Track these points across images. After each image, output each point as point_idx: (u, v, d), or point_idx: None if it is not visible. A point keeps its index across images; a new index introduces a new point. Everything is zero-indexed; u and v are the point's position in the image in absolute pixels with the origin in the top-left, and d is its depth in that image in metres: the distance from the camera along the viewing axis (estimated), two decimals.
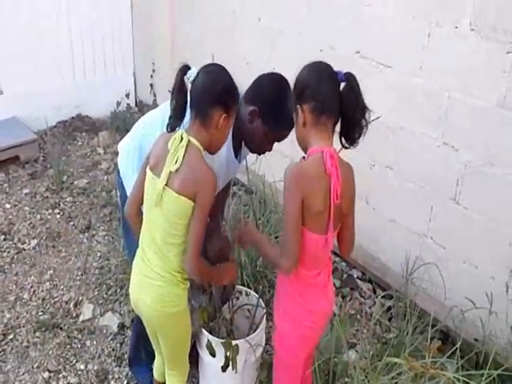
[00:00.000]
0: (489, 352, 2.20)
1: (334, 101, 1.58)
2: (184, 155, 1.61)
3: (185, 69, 1.66)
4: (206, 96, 1.63)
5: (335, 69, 1.62)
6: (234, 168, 2.08)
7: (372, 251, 2.97)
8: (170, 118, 1.70)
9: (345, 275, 2.96)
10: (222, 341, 1.93)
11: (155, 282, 1.72)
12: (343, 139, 1.64)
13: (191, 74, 1.65)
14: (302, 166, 1.60)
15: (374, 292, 2.85)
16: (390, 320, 2.64)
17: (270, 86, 1.86)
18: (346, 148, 1.64)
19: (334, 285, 2.86)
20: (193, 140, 1.64)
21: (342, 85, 1.59)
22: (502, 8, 2.16)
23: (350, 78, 1.58)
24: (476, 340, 2.33)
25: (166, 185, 1.62)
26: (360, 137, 1.61)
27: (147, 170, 1.71)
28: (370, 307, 2.70)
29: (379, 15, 2.64)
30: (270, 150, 1.97)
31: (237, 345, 1.92)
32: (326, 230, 1.61)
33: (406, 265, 2.68)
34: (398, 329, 2.33)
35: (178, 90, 1.67)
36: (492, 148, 2.31)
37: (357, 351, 2.39)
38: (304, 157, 1.64)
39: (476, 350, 2.22)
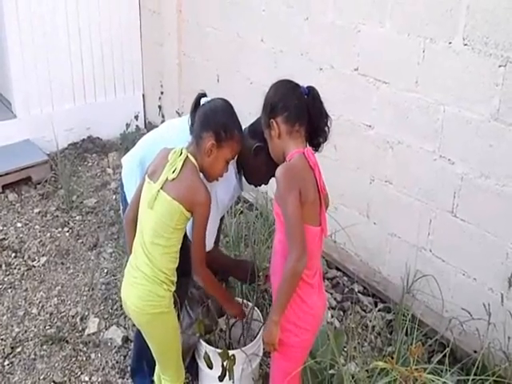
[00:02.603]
0: (487, 363, 2.20)
1: (303, 109, 1.75)
2: (181, 168, 1.75)
3: (201, 95, 1.85)
4: (203, 119, 1.78)
5: (298, 83, 1.80)
6: (237, 194, 2.15)
7: (373, 265, 3.00)
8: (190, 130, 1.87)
9: (346, 289, 2.98)
10: (219, 351, 1.96)
11: (139, 281, 1.80)
12: (308, 145, 1.81)
13: (204, 101, 1.83)
14: (290, 163, 1.73)
15: (376, 306, 2.86)
16: (391, 333, 2.65)
17: None
18: (318, 146, 1.83)
19: (335, 299, 2.90)
20: (190, 157, 1.78)
21: (306, 97, 1.77)
22: (493, 23, 2.22)
23: (312, 91, 1.78)
24: (475, 351, 2.32)
25: (161, 188, 1.75)
26: (324, 142, 1.80)
27: (145, 176, 1.83)
28: (370, 321, 2.71)
29: (376, 33, 2.72)
30: (266, 183, 2.05)
31: (233, 355, 1.95)
32: (319, 221, 1.75)
33: (406, 278, 2.70)
34: (398, 341, 2.33)
35: (193, 111, 1.83)
36: (486, 160, 2.35)
37: (357, 363, 2.40)
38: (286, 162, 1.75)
39: (475, 361, 2.22)
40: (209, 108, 1.80)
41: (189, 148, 1.80)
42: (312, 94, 1.77)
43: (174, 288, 1.85)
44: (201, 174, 1.82)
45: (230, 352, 1.97)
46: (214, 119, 1.77)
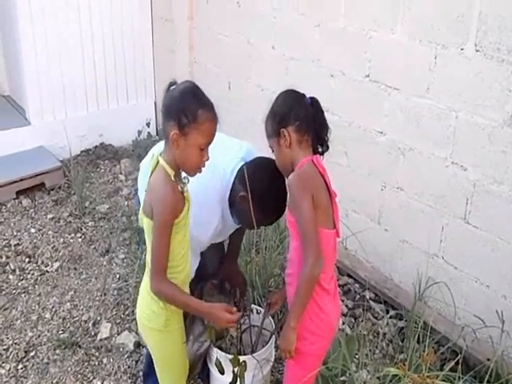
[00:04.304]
0: (500, 371, 2.18)
1: (310, 119, 1.78)
2: (150, 176, 1.66)
3: (171, 84, 1.68)
4: (164, 109, 1.64)
5: (303, 94, 1.83)
6: (232, 224, 2.09)
7: (384, 272, 2.98)
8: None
9: (357, 296, 2.97)
10: (230, 357, 1.96)
11: (142, 292, 1.80)
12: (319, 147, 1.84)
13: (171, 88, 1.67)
14: (300, 170, 1.75)
15: (387, 313, 2.84)
16: (402, 340, 2.63)
17: (264, 178, 1.90)
18: (323, 153, 1.85)
19: (347, 306, 2.89)
20: (161, 160, 1.63)
21: (311, 108, 1.79)
22: (505, 28, 2.21)
23: (316, 102, 1.81)
24: (488, 359, 2.30)
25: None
26: (326, 151, 1.83)
27: None
28: (381, 328, 2.70)
29: (387, 40, 2.72)
30: (253, 229, 2.01)
31: (244, 361, 1.95)
32: (333, 224, 1.77)
33: (418, 285, 2.69)
34: (410, 349, 2.32)
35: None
36: (499, 166, 2.33)
37: (368, 371, 2.39)
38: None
39: (488, 368, 2.20)
40: (169, 96, 1.63)
41: (163, 149, 1.67)
42: (316, 104, 1.80)
43: (170, 306, 1.73)
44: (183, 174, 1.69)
45: (241, 358, 1.97)
46: (173, 106, 1.60)
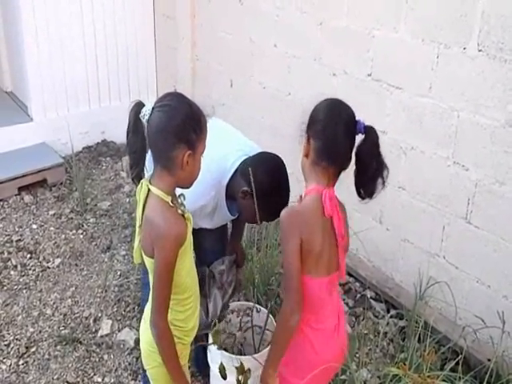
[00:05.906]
0: (501, 372, 2.18)
1: (340, 150, 1.50)
2: (144, 208, 1.51)
3: (138, 106, 1.49)
4: (164, 136, 1.46)
5: (357, 118, 1.53)
6: (226, 215, 2.08)
7: (386, 271, 2.99)
8: (131, 166, 1.56)
9: (358, 295, 2.98)
10: (236, 357, 1.93)
11: (147, 327, 1.62)
12: (359, 190, 1.57)
13: (146, 112, 1.48)
14: (297, 207, 1.55)
15: (388, 312, 2.85)
16: (403, 340, 2.64)
17: (266, 175, 1.85)
18: (362, 199, 1.58)
19: (347, 304, 2.89)
20: (153, 189, 1.49)
21: (359, 136, 1.50)
22: (508, 27, 2.21)
23: (370, 132, 1.49)
24: (489, 360, 2.30)
25: (140, 242, 1.56)
26: (373, 194, 1.53)
27: None
28: (382, 327, 2.70)
29: (390, 39, 2.72)
30: (258, 224, 1.94)
31: (249, 369, 1.87)
32: (328, 270, 1.58)
33: (419, 285, 2.69)
34: (410, 348, 2.32)
35: (133, 132, 1.51)
36: (501, 166, 2.33)
37: (369, 370, 2.39)
38: (301, 196, 1.59)
39: (488, 369, 2.20)
40: (164, 118, 1.45)
41: (152, 177, 1.52)
42: (369, 135, 1.49)
43: (187, 340, 1.69)
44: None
45: (244, 358, 1.94)
46: (176, 129, 1.45)
